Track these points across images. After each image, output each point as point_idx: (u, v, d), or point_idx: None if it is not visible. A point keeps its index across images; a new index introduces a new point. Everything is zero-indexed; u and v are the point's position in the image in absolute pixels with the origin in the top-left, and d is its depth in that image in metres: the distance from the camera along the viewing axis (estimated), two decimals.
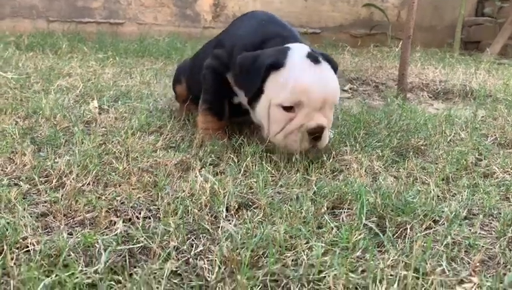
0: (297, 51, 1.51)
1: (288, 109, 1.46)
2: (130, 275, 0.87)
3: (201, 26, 5.19)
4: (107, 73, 2.85)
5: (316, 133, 1.46)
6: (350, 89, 3.30)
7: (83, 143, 1.51)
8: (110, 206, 1.13)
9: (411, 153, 1.67)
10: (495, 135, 1.93)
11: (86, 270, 0.86)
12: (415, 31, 5.34)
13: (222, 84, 1.63)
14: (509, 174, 1.52)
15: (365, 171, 1.45)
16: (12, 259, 0.88)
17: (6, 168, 1.30)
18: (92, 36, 4.35)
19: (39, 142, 1.53)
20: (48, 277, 0.83)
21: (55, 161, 1.36)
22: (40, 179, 1.25)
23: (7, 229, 0.95)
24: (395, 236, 1.07)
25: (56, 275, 0.83)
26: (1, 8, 4.49)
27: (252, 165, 1.40)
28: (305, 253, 0.95)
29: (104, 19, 4.88)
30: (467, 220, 1.17)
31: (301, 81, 1.45)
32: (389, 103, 2.43)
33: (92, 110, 2.00)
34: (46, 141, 1.54)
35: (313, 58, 1.50)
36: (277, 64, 1.47)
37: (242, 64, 1.51)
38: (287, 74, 1.46)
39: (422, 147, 1.73)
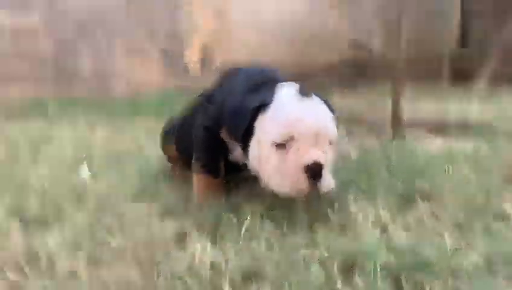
0: (286, 89, 1.46)
1: (279, 146, 1.36)
2: None
3: (189, 79, 5.20)
4: (97, 136, 2.79)
5: (314, 171, 1.33)
6: (344, 130, 3.26)
7: (74, 218, 1.43)
8: None
9: (417, 198, 1.60)
10: (500, 171, 1.87)
11: None
12: (403, 65, 5.35)
13: (215, 141, 1.57)
14: None
15: (372, 223, 1.38)
16: None
17: None
18: (82, 98, 4.34)
19: (28, 220, 1.45)
20: None
21: (44, 241, 1.28)
22: (29, 263, 1.17)
23: None
24: None
25: None
26: None
27: (253, 226, 1.33)
28: None
29: (93, 79, 4.89)
30: (488, 271, 1.09)
31: (290, 115, 1.37)
32: (386, 144, 2.38)
33: (83, 177, 1.93)
34: (35, 218, 1.46)
35: (303, 93, 1.43)
36: (264, 103, 1.41)
37: (230, 109, 1.47)
38: (275, 110, 1.40)
39: (428, 190, 1.66)
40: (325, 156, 1.37)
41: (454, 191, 1.63)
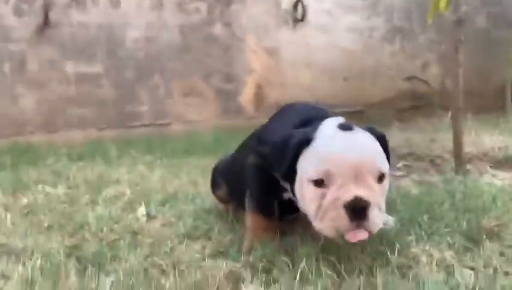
0: (329, 123, 1.38)
1: (318, 184, 1.27)
2: None
3: (244, 118, 5.26)
4: (154, 176, 2.85)
5: (356, 209, 1.21)
6: (404, 166, 3.15)
7: (128, 258, 1.44)
8: None
9: (484, 237, 1.49)
10: None
11: None
12: (463, 98, 5.19)
13: (268, 181, 1.53)
14: None
15: (436, 264, 1.29)
16: None
17: None
18: (141, 139, 4.47)
19: (84, 261, 1.47)
20: None
21: (100, 282, 1.28)
22: None
23: None
24: None
25: None
26: (54, 121, 4.73)
27: (308, 269, 1.28)
28: None
29: (152, 120, 5.04)
30: None
31: (327, 149, 1.28)
32: (449, 179, 2.27)
33: (140, 217, 1.96)
34: (91, 258, 1.48)
35: (345, 126, 1.35)
36: (307, 139, 1.34)
37: (274, 145, 1.42)
38: (316, 146, 1.32)
39: (495, 229, 1.55)
40: (370, 193, 1.25)
41: None
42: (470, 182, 2.14)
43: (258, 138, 1.64)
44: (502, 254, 1.36)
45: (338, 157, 1.26)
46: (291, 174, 1.39)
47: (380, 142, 1.39)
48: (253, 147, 1.62)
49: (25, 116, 4.69)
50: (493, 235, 1.52)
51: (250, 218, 1.58)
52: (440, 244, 1.43)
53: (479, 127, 4.02)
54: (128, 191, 2.37)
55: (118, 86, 4.93)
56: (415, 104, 5.74)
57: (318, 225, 1.29)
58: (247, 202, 1.59)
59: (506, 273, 1.23)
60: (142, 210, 2.05)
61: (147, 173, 2.96)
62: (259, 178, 1.55)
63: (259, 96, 5.35)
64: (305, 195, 1.32)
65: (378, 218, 1.26)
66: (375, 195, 1.26)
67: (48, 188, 2.49)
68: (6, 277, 1.36)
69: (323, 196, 1.26)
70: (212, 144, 3.97)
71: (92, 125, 4.84)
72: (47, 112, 4.72)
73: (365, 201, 1.22)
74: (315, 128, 1.38)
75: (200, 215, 1.93)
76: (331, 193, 1.25)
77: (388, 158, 1.40)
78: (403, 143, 3.61)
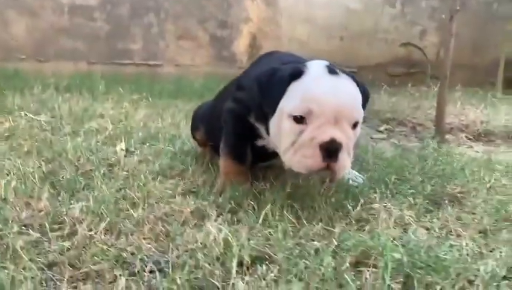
0: (317, 63, 1.41)
1: (298, 120, 1.31)
2: None
3: (236, 67, 5.24)
4: (139, 114, 2.87)
5: (329, 150, 1.28)
6: (386, 129, 3.20)
7: (102, 188, 1.48)
8: (118, 258, 1.08)
9: (446, 202, 1.56)
10: None
11: None
12: (455, 69, 5.20)
13: (244, 127, 1.56)
14: None
15: (394, 221, 1.35)
16: None
17: (22, 214, 1.28)
18: (131, 78, 4.45)
19: (58, 187, 1.51)
20: None
21: (70, 207, 1.33)
22: (53, 226, 1.23)
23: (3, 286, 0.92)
24: None
25: None
26: (45, 51, 4.67)
27: (272, 214, 1.33)
28: None
29: (143, 60, 5.00)
30: (506, 281, 1.05)
31: (313, 89, 1.31)
32: (425, 146, 2.32)
33: (119, 152, 1.99)
34: (65, 185, 1.52)
35: (332, 69, 1.38)
36: (297, 73, 1.35)
37: (260, 81, 1.40)
38: (302, 83, 1.34)
39: (458, 195, 1.61)
40: (344, 137, 1.30)
41: (486, 198, 1.58)
42: (443, 151, 2.19)
43: (237, 83, 1.66)
44: (459, 218, 1.41)
45: (323, 99, 1.29)
46: (266, 114, 1.42)
47: (365, 92, 1.45)
48: (232, 93, 1.64)
49: (15, 43, 4.62)
50: (455, 200, 1.58)
51: (223, 163, 1.62)
52: (402, 204, 1.48)
53: (466, 100, 4.06)
54: (110, 127, 2.39)
55: (111, 21, 4.86)
56: (408, 71, 5.74)
57: (289, 159, 1.34)
58: (221, 147, 1.62)
59: (459, 236, 1.29)
60: (121, 145, 2.08)
61: (132, 111, 2.98)
62: (235, 123, 1.58)
63: (253, 47, 5.31)
64: (282, 129, 1.35)
65: (347, 161, 1.32)
66: (348, 140, 1.32)
67: (30, 115, 2.50)
68: None
69: (300, 133, 1.31)
70: (201, 90, 3.97)
71: (83, 58, 4.79)
72: (38, 41, 4.66)
73: (339, 143, 1.28)
74: (304, 65, 1.39)
75: (177, 156, 1.96)
76: (309, 130, 1.29)
77: (364, 107, 1.44)
78: (388, 108, 3.65)
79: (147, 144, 2.15)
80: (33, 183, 1.51)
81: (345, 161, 1.31)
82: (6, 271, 0.96)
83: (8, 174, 1.58)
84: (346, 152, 1.32)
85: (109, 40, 4.86)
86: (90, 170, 1.71)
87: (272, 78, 1.39)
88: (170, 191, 1.51)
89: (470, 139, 2.89)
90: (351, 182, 1.64)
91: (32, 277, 0.96)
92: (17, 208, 1.31)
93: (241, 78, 1.67)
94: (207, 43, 5.19)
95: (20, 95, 3.17)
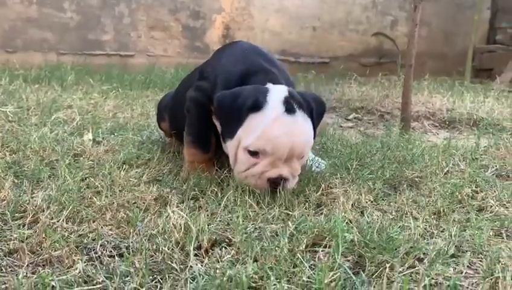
0: (276, 95, 1.46)
1: (253, 153, 1.44)
2: None
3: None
4: (108, 105, 2.86)
5: (275, 184, 1.43)
6: (354, 118, 3.26)
7: (66, 177, 1.49)
8: (79, 244, 1.09)
9: (404, 186, 1.61)
10: (496, 166, 1.86)
11: None
12: (427, 59, 5.30)
13: (206, 115, 1.59)
14: (506, 207, 1.45)
15: (352, 205, 1.40)
16: None
17: None
18: (102, 68, 4.41)
19: (22, 176, 1.51)
20: None
21: (33, 195, 1.34)
22: (16, 215, 1.23)
23: None
24: (374, 276, 1.01)
25: None
26: (13, 41, 4.59)
27: (234, 200, 1.36)
28: None
29: (114, 51, 4.96)
30: (454, 258, 1.10)
31: (268, 131, 1.41)
32: (388, 133, 2.38)
33: (86, 142, 1.99)
34: (29, 174, 1.52)
35: (289, 106, 1.45)
36: (256, 107, 1.44)
37: (222, 105, 1.48)
38: (260, 119, 1.43)
39: (416, 180, 1.67)
40: (292, 170, 1.46)
41: (443, 182, 1.64)
42: (405, 137, 2.25)
43: (199, 72, 1.68)
44: (415, 201, 1.47)
45: (277, 141, 1.42)
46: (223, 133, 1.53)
47: (319, 107, 1.58)
48: (195, 81, 1.66)
49: None
50: (413, 185, 1.64)
51: (187, 151, 1.65)
52: (361, 188, 1.53)
53: (435, 88, 4.14)
54: (78, 117, 2.38)
55: (81, 11, 4.80)
56: (379, 61, 5.83)
57: (240, 178, 1.48)
58: (185, 135, 1.65)
59: (415, 219, 1.34)
60: (89, 135, 2.09)
61: (101, 101, 2.97)
62: (197, 112, 1.61)
63: (226, 37, 5.31)
64: (238, 156, 1.47)
65: (292, 183, 1.48)
66: (295, 171, 1.48)
67: None
68: None
69: (253, 165, 1.45)
70: (172, 80, 3.96)
71: (52, 49, 4.73)
72: (6, 31, 4.58)
73: (286, 178, 1.45)
74: (264, 96, 1.45)
75: (144, 145, 1.98)
76: (261, 165, 1.44)
77: (321, 117, 1.61)
78: (358, 97, 3.70)
79: (115, 134, 2.16)
80: None
81: (289, 184, 1.47)
82: None
83: None
84: (292, 177, 1.48)
85: (79, 30, 4.79)
86: (56, 160, 1.71)
87: (233, 104, 1.46)
88: (135, 180, 1.53)
89: (435, 126, 2.97)
90: (314, 168, 1.68)
91: None
92: None
93: (204, 67, 1.69)
94: (179, 33, 5.17)
95: None
